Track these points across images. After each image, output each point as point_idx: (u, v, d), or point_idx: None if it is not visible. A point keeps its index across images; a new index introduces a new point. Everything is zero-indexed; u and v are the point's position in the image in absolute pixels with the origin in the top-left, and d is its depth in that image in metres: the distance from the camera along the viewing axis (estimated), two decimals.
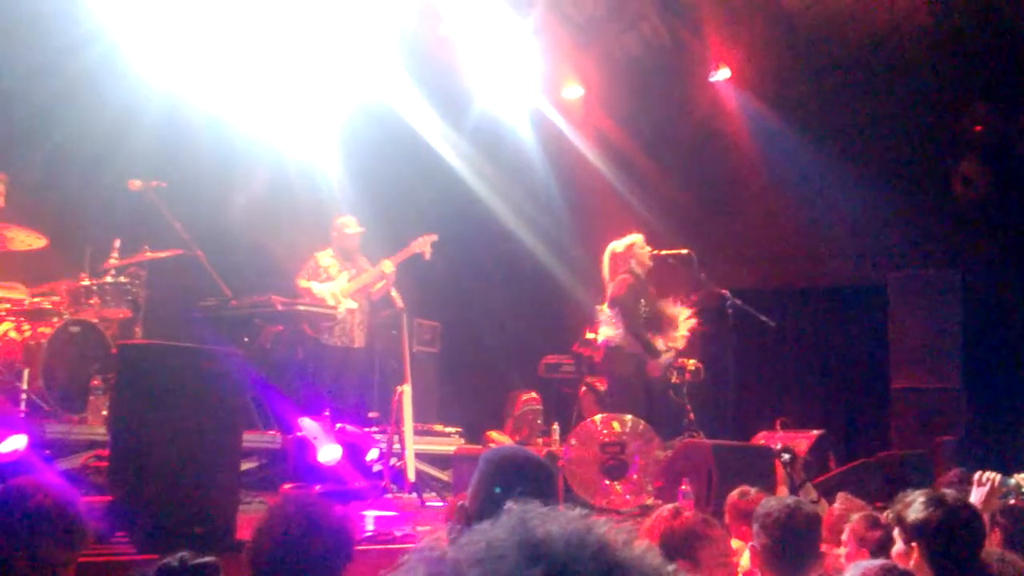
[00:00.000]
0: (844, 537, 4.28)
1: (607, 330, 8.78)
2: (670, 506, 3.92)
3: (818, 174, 11.36)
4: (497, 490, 2.82)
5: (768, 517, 3.62)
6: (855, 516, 4.42)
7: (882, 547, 4.05)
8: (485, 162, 11.61)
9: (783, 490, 7.87)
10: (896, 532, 3.66)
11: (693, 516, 3.80)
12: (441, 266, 9.89)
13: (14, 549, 3.11)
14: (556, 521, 1.21)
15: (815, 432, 9.29)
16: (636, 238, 8.88)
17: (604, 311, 9.07)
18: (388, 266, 9.32)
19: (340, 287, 9.35)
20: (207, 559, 2.69)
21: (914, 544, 3.53)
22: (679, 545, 3.70)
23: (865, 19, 10.76)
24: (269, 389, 7.98)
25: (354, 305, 9.36)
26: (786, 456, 7.76)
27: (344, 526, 3.34)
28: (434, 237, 9.55)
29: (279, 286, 9.28)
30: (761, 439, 9.19)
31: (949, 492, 3.89)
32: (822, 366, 11.98)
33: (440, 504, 7.57)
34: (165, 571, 2.62)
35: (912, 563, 3.49)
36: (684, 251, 9.11)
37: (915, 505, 3.59)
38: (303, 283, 9.33)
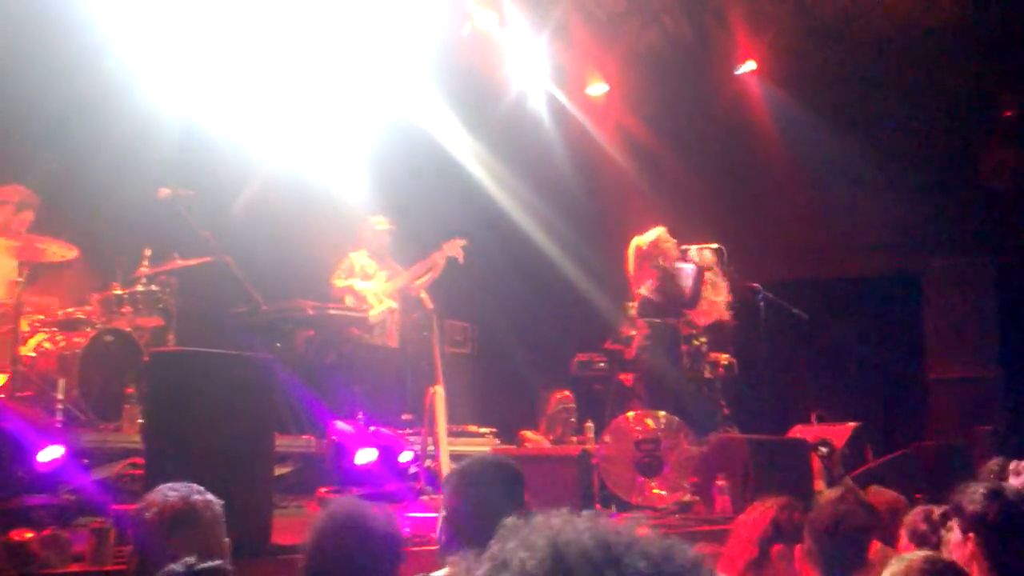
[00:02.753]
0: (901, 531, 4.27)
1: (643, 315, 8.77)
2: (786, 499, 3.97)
3: (847, 164, 11.26)
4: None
5: (818, 520, 3.65)
6: (915, 509, 4.41)
7: (925, 540, 4.02)
8: (510, 161, 11.58)
9: (820, 484, 7.82)
10: (954, 522, 3.64)
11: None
12: (470, 267, 9.87)
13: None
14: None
15: (852, 424, 9.21)
16: (659, 231, 8.78)
17: (632, 308, 9.04)
18: (439, 257, 9.37)
19: (379, 287, 9.40)
20: (215, 564, 2.67)
21: (970, 535, 3.51)
22: (791, 533, 3.77)
23: (892, 6, 10.65)
24: (303, 393, 7.99)
25: (394, 305, 9.42)
26: (823, 450, 7.71)
27: (393, 528, 3.34)
28: (463, 241, 9.57)
29: (308, 290, 9.31)
30: (797, 433, 9.12)
31: (1010, 486, 3.87)
32: (857, 358, 11.88)
33: None
34: (170, 575, 2.60)
35: (968, 553, 3.47)
36: (714, 245, 9.05)
37: (974, 496, 3.57)
38: (340, 282, 9.38)
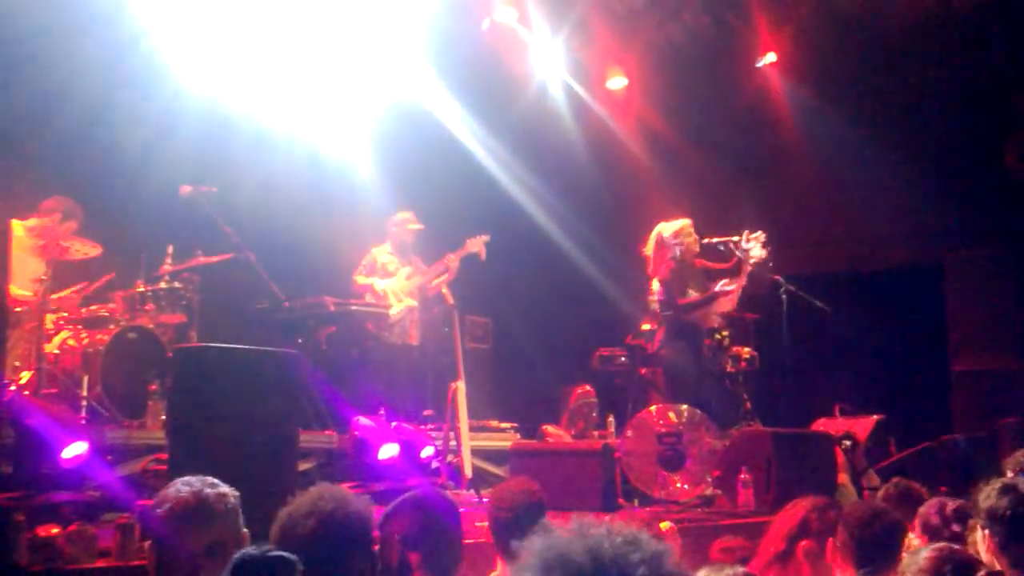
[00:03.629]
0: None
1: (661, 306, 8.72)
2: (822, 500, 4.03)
3: (868, 156, 11.19)
4: None
5: (851, 516, 3.70)
6: (929, 501, 4.43)
7: (937, 534, 4.05)
8: (529, 156, 11.57)
9: (844, 477, 7.79)
10: (976, 520, 3.69)
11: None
12: (491, 262, 9.88)
13: None
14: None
15: (875, 417, 9.17)
16: (684, 223, 8.74)
17: (654, 302, 9.01)
18: (453, 259, 9.37)
19: (400, 285, 9.40)
20: (289, 555, 2.72)
21: (986, 531, 3.55)
22: (818, 531, 3.84)
23: None
24: (325, 389, 8.02)
25: (414, 303, 9.41)
26: (847, 443, 7.68)
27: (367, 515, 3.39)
28: (487, 237, 9.57)
29: (329, 287, 9.33)
30: (820, 426, 9.08)
31: (1022, 480, 3.89)
32: (880, 350, 11.80)
33: None
34: (245, 558, 2.67)
35: (987, 549, 3.50)
36: (735, 238, 8.99)
37: (989, 492, 3.61)
38: (361, 279, 9.39)
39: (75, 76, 8.21)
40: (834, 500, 4.08)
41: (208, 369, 5.32)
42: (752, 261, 8.40)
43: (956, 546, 3.37)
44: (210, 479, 3.24)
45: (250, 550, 2.71)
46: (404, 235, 9.56)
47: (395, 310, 9.34)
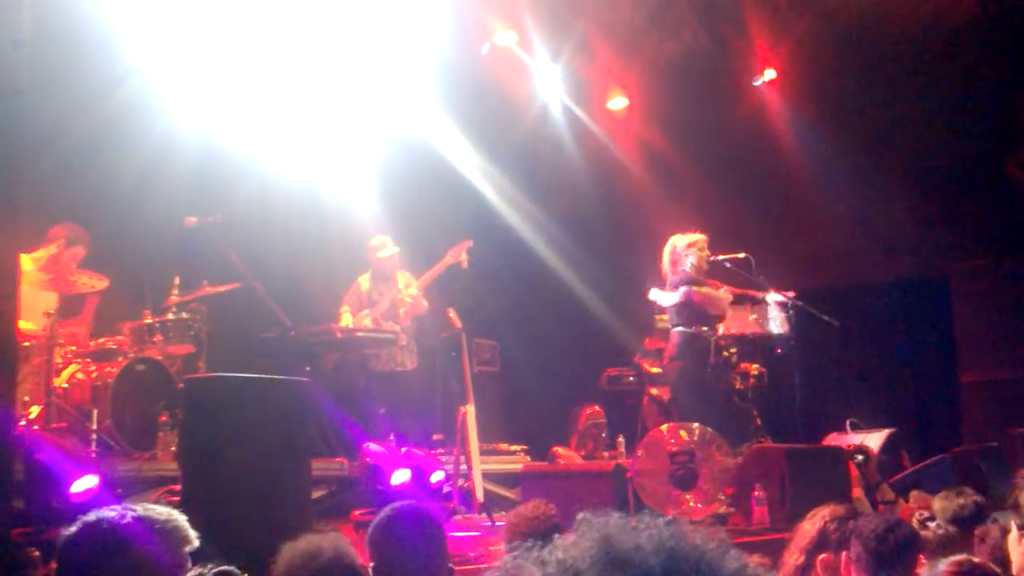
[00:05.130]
0: None
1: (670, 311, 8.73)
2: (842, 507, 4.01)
3: (871, 169, 11.19)
4: None
5: (866, 528, 3.69)
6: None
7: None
8: (531, 179, 11.56)
9: (858, 491, 7.75)
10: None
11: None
12: (495, 284, 9.85)
13: None
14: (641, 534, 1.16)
15: (886, 431, 9.14)
16: (699, 238, 8.75)
17: (662, 319, 9.00)
18: (413, 289, 9.32)
19: (380, 311, 9.34)
20: (230, 568, 2.70)
21: (1020, 532, 3.62)
22: (837, 543, 3.82)
23: (910, 8, 10.58)
24: (336, 415, 8.00)
25: (397, 328, 9.33)
26: (860, 457, 7.65)
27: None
28: (469, 243, 9.52)
29: (334, 314, 9.33)
30: (831, 440, 9.05)
31: None
32: (888, 363, 11.79)
33: None
34: None
35: (1017, 543, 3.57)
36: (741, 255, 9.00)
37: None
38: (345, 318, 9.34)
39: (73, 106, 8.20)
40: (853, 509, 4.05)
41: (219, 399, 5.32)
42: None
43: (976, 559, 3.37)
44: (147, 505, 2.85)
45: (198, 569, 2.67)
46: (377, 263, 9.50)
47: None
